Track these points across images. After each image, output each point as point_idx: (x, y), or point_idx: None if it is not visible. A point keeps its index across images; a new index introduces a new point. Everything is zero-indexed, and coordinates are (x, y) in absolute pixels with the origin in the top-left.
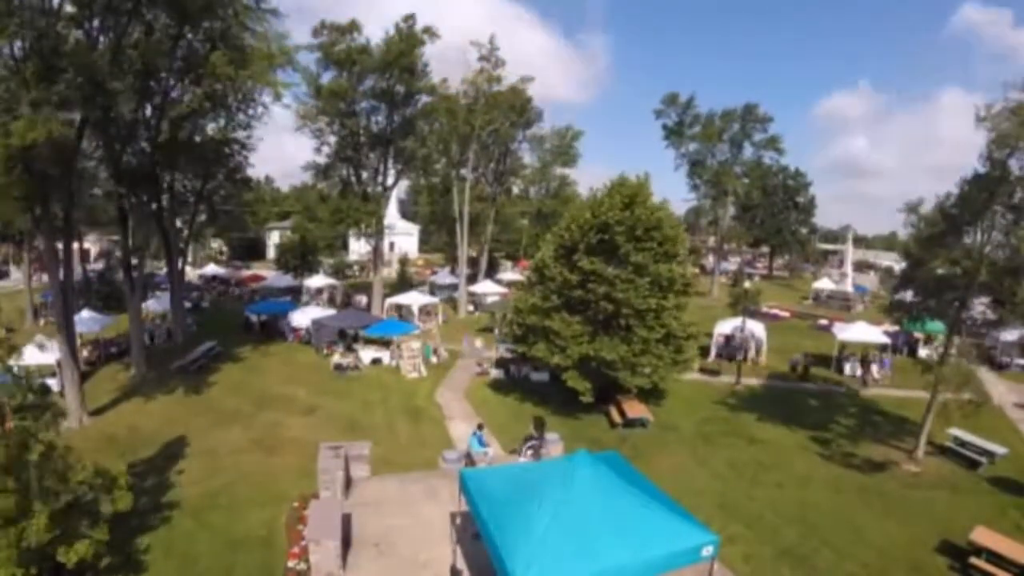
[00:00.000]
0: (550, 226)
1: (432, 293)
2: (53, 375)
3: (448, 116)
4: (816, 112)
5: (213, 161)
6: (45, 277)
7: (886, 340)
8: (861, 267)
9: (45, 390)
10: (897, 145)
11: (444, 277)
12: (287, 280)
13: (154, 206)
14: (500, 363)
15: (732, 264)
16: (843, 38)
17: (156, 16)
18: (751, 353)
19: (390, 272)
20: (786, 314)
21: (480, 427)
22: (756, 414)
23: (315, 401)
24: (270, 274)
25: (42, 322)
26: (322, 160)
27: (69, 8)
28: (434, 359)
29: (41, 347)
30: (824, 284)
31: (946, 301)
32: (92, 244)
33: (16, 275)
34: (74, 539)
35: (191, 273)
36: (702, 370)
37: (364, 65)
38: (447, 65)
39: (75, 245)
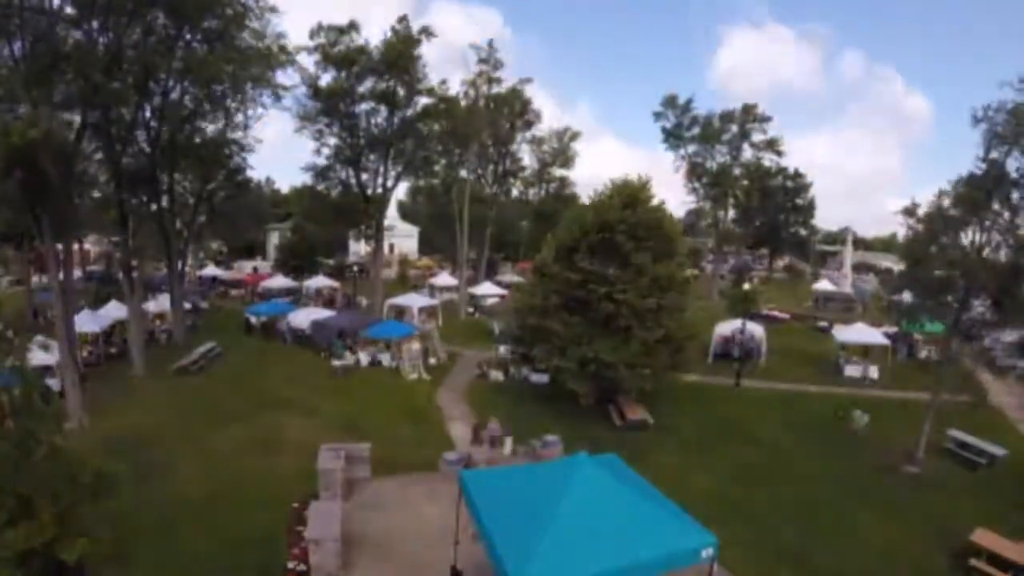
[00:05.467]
0: (550, 227)
1: (432, 295)
2: (53, 375)
3: (448, 118)
4: None
5: (212, 162)
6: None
7: (885, 341)
8: (861, 269)
9: (48, 392)
10: None
11: (444, 278)
12: (287, 281)
13: (154, 207)
14: (500, 365)
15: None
16: None
17: (156, 17)
18: (755, 355)
19: (389, 273)
20: (786, 316)
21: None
22: (756, 415)
23: (315, 402)
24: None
25: (42, 322)
26: (322, 161)
27: (69, 9)
28: (433, 360)
29: (46, 348)
30: (824, 285)
31: (945, 302)
32: (92, 245)
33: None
34: (76, 537)
35: (191, 275)
36: (702, 372)
37: (363, 66)
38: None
39: (75, 246)
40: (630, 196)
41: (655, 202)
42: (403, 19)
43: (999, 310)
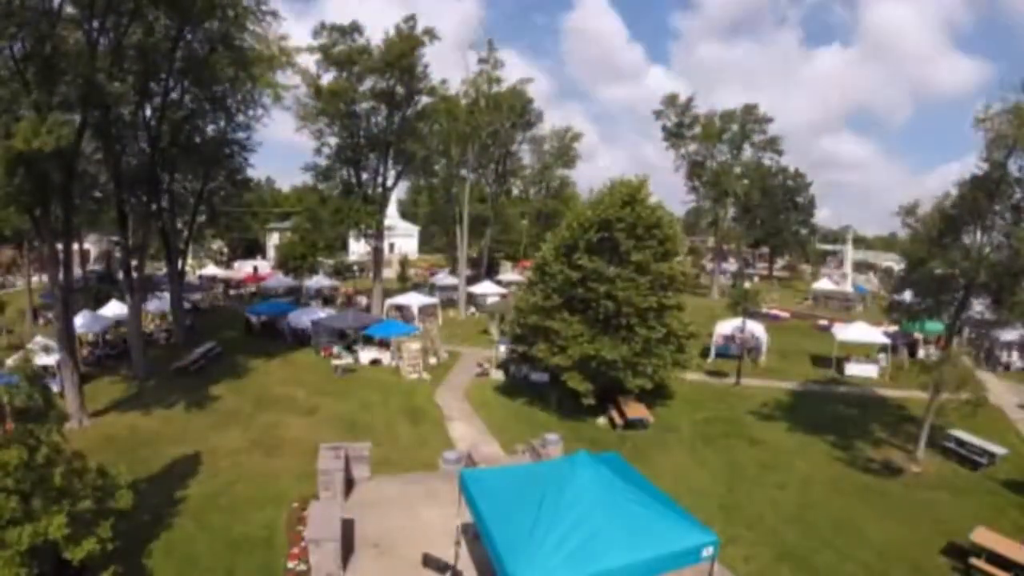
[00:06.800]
0: (550, 226)
1: (432, 294)
2: (53, 376)
3: (448, 117)
4: None
5: (213, 162)
6: (45, 278)
7: (886, 340)
8: (861, 267)
9: (48, 392)
10: None
11: (444, 278)
12: (287, 281)
13: (154, 207)
14: (500, 364)
15: (732, 265)
16: None
17: (156, 17)
18: (755, 354)
19: (390, 273)
20: (786, 315)
21: None
22: (756, 415)
23: (315, 402)
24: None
25: (42, 323)
26: (322, 161)
27: (69, 9)
28: (433, 360)
29: (47, 350)
30: (824, 284)
31: (945, 301)
32: (92, 245)
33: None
34: (81, 537)
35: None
36: (705, 372)
37: (364, 66)
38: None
39: (75, 246)
40: (629, 194)
41: (652, 200)
42: (410, 19)
43: (999, 309)
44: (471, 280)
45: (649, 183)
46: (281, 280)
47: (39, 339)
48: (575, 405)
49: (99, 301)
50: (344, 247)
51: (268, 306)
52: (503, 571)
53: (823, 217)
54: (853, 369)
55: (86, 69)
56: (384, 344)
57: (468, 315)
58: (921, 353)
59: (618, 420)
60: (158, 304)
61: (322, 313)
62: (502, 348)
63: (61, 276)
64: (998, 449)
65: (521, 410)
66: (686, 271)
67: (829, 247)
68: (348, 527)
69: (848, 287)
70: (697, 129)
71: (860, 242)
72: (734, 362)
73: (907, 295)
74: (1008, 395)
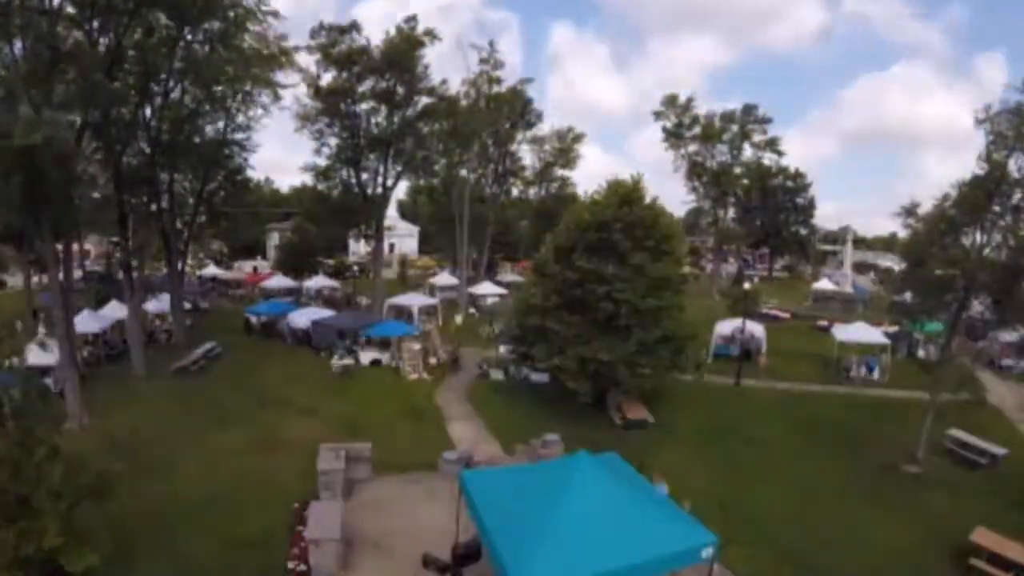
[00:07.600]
0: (551, 227)
1: (432, 294)
2: (52, 376)
3: (448, 117)
4: None
5: (212, 162)
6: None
7: (885, 341)
8: (861, 268)
9: (46, 392)
10: None
11: (444, 278)
12: (287, 282)
13: (154, 207)
14: (500, 364)
15: (732, 266)
16: None
17: (156, 17)
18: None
19: (390, 273)
20: (786, 315)
21: None
22: (755, 415)
23: (315, 402)
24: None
25: (42, 323)
26: (322, 161)
27: (69, 9)
28: (433, 360)
29: (44, 347)
30: (824, 285)
31: (945, 302)
32: (93, 245)
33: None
34: (80, 544)
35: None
36: (703, 371)
37: (364, 66)
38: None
39: (75, 246)
40: (625, 194)
41: (648, 200)
42: (410, 19)
43: (999, 310)
44: (471, 280)
45: (643, 182)
46: (281, 281)
47: (39, 339)
48: (575, 405)
49: (99, 301)
50: (344, 247)
51: (268, 306)
52: (503, 571)
53: (824, 215)
54: (852, 369)
55: (86, 68)
56: (384, 344)
57: (468, 315)
58: (921, 353)
59: (618, 420)
60: (158, 304)
61: (323, 313)
62: (502, 348)
63: (61, 276)
64: (998, 450)
65: (521, 410)
66: (685, 272)
67: (829, 247)
68: (348, 527)
69: (848, 287)
70: (697, 129)
71: (860, 243)
72: (734, 363)
73: (907, 295)
74: (1008, 396)
